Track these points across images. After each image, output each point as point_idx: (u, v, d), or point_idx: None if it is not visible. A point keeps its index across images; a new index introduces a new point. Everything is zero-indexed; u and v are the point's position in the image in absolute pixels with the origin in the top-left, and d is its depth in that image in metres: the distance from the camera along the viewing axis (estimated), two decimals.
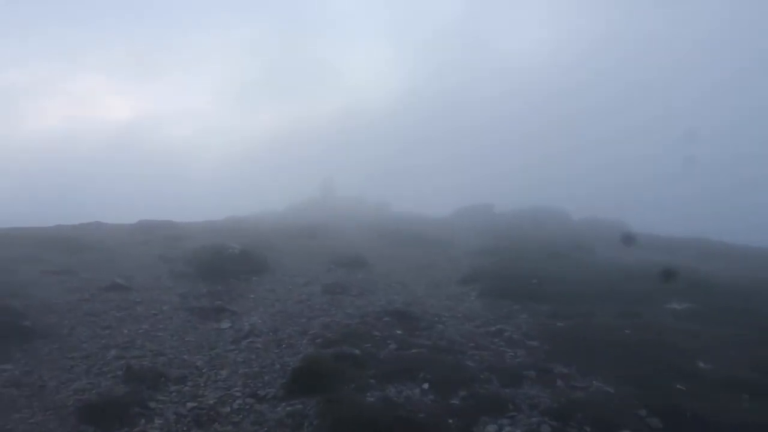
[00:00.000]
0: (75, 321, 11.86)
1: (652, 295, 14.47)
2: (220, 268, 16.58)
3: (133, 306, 13.19)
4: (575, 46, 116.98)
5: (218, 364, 9.67)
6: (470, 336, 10.84)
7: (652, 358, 9.55)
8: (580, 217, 50.23)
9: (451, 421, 7.30)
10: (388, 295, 14.46)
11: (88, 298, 13.48)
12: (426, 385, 8.32)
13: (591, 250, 27.70)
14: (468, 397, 7.98)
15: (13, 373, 9.06)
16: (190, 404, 8.07)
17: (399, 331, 10.83)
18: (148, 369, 9.20)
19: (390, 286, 15.76)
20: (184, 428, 7.43)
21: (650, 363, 9.38)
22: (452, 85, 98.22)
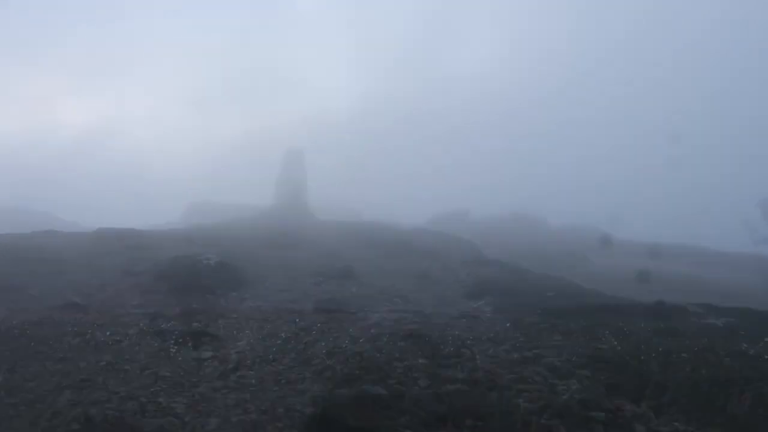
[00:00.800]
0: (18, 352, 9.66)
1: (683, 307, 13.18)
2: (195, 283, 14.47)
3: (92, 330, 11.00)
4: (545, 54, 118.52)
5: (204, 410, 7.69)
6: (506, 364, 9.13)
7: (726, 390, 8.07)
8: (556, 223, 49.78)
9: None
10: (394, 312, 12.61)
11: (36, 322, 11.20)
12: None
13: (583, 256, 26.73)
14: None
15: None
16: None
17: (422, 360, 9.02)
18: (113, 420, 7.15)
19: (391, 301, 13.98)
20: None
21: (726, 396, 7.91)
22: (414, 94, 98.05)
